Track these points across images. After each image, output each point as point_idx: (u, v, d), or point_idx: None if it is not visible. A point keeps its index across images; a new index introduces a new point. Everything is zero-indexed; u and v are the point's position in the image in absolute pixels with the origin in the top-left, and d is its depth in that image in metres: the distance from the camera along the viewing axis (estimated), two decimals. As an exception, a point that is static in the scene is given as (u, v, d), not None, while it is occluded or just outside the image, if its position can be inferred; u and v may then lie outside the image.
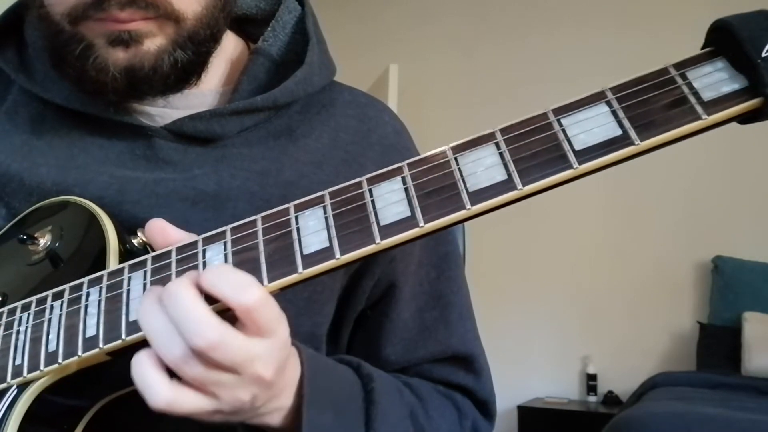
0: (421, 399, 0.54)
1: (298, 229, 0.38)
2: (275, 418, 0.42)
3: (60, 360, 0.40)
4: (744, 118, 0.33)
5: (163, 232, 0.41)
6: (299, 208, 0.38)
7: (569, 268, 2.74)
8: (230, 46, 0.58)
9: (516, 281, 2.79)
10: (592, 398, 2.62)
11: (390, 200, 0.36)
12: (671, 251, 2.64)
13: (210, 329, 0.34)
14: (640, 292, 2.66)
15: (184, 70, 0.50)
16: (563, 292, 2.75)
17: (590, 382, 2.64)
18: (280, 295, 0.49)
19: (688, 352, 2.54)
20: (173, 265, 0.40)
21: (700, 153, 2.54)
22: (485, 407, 0.59)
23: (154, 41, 0.47)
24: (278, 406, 0.41)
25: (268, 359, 0.36)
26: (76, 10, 0.46)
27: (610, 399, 2.57)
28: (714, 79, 0.32)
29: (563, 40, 2.81)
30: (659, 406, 1.72)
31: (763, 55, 0.30)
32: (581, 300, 2.72)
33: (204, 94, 0.56)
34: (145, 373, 0.35)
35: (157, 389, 0.35)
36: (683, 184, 2.65)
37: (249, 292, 0.34)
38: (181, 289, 0.35)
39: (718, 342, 2.40)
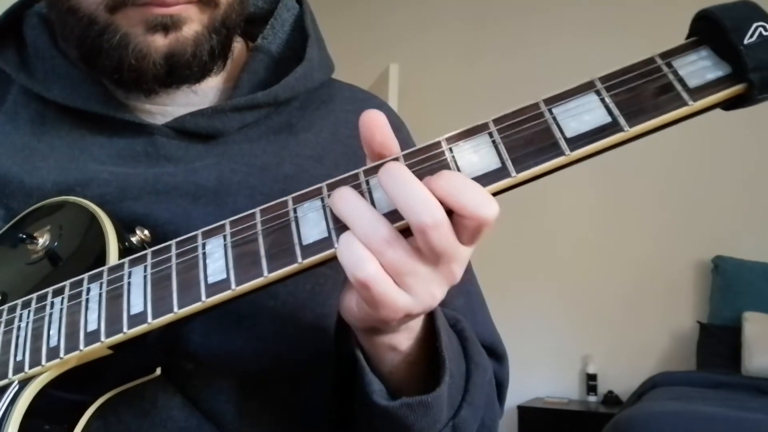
0: None
1: (296, 220, 0.38)
2: (404, 339, 0.42)
3: (61, 355, 0.41)
4: (728, 104, 0.34)
5: (382, 130, 0.37)
6: (297, 201, 0.39)
7: (569, 268, 2.75)
8: None
9: (516, 280, 2.79)
10: (592, 398, 2.62)
11: (387, 191, 0.37)
12: (671, 251, 2.64)
13: (438, 208, 0.34)
14: (641, 291, 2.66)
15: (217, 55, 0.51)
16: (563, 292, 2.75)
17: (590, 382, 2.64)
18: (281, 287, 0.50)
19: (688, 351, 2.54)
20: (173, 258, 0.41)
21: (700, 152, 2.56)
22: (500, 389, 0.60)
23: (192, 26, 0.48)
24: (412, 325, 0.41)
25: (463, 264, 0.37)
26: None
27: (610, 399, 2.57)
28: (699, 67, 0.33)
29: (563, 43, 2.83)
30: (659, 406, 1.72)
31: (746, 42, 0.31)
32: (581, 300, 2.73)
33: (205, 91, 0.56)
34: (354, 247, 0.35)
35: (366, 262, 0.35)
36: (683, 184, 2.65)
37: (492, 206, 0.34)
38: (406, 171, 0.35)
39: (718, 342, 2.41)
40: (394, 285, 0.36)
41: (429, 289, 0.37)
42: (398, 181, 0.35)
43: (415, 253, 0.35)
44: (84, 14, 0.48)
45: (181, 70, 0.49)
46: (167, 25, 0.47)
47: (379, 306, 0.36)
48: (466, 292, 0.59)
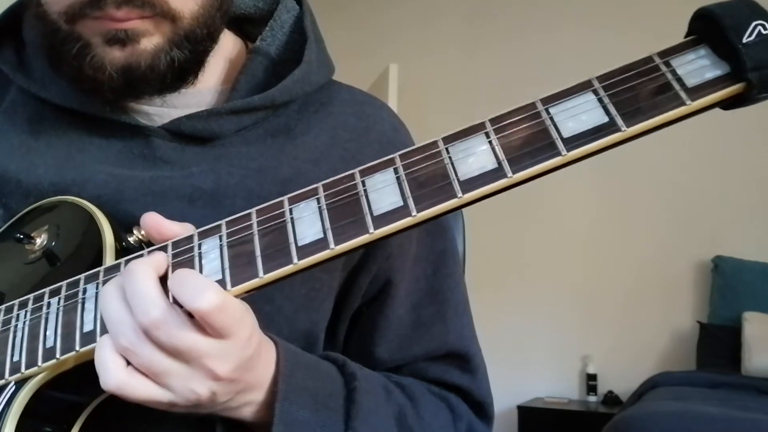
0: (412, 399, 0.53)
1: (292, 220, 0.38)
2: (246, 412, 0.43)
3: (58, 355, 0.41)
4: (727, 104, 0.33)
5: (158, 227, 0.42)
6: (293, 201, 0.39)
7: (569, 268, 2.75)
8: (228, 45, 0.59)
9: (516, 281, 2.79)
10: (592, 398, 2.61)
11: (383, 191, 0.37)
12: (671, 251, 2.64)
13: (155, 307, 0.36)
14: (641, 291, 2.66)
15: (182, 69, 0.50)
16: (563, 292, 2.75)
17: (590, 382, 2.64)
18: (277, 291, 0.50)
19: (688, 351, 2.54)
20: (169, 258, 0.41)
21: (700, 152, 2.55)
22: (482, 408, 0.59)
23: (151, 40, 0.48)
24: (248, 400, 0.42)
25: (223, 357, 0.38)
26: (72, 8, 0.46)
27: (610, 399, 2.57)
28: (697, 66, 0.33)
29: (563, 40, 2.82)
30: (659, 406, 1.72)
31: (744, 41, 0.31)
32: (581, 300, 2.72)
33: (202, 93, 0.56)
34: (102, 354, 0.38)
35: (111, 372, 0.37)
36: (683, 184, 2.65)
37: (204, 296, 0.36)
38: (140, 268, 0.37)
39: (718, 342, 2.41)
40: (147, 384, 0.38)
41: (188, 386, 0.38)
42: (127, 281, 0.37)
43: (163, 352, 0.37)
44: (49, 21, 0.48)
45: (137, 83, 0.49)
46: (123, 39, 0.47)
47: (142, 402, 0.38)
48: (440, 301, 0.58)
